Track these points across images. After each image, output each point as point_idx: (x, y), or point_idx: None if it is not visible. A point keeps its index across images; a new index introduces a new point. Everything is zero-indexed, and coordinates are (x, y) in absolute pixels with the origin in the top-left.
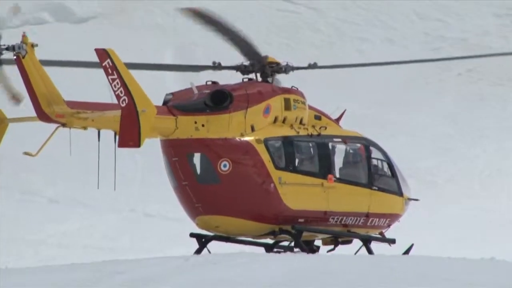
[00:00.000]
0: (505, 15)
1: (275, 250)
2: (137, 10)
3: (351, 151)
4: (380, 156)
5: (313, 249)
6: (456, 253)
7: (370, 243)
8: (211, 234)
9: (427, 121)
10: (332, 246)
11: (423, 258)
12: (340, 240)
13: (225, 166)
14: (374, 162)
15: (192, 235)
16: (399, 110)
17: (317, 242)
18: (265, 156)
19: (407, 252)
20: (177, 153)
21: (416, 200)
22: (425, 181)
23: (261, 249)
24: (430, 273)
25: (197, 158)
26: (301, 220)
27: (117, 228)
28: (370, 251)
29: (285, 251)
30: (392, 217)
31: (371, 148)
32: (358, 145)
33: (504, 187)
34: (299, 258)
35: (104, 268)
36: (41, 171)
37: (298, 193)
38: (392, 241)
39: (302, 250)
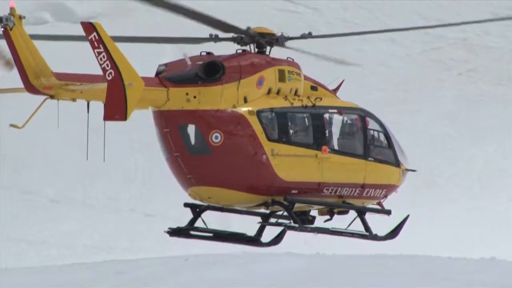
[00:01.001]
0: (505, 15)
1: (269, 222)
2: (137, 10)
3: (346, 122)
4: (377, 127)
5: (309, 220)
6: (456, 253)
7: (365, 214)
8: (205, 204)
9: (427, 121)
10: (328, 216)
11: (423, 258)
12: (336, 210)
13: (216, 137)
14: (371, 132)
15: (186, 205)
16: (399, 110)
17: (314, 213)
18: (257, 128)
19: (402, 223)
20: (168, 124)
21: (414, 171)
22: (425, 181)
23: (261, 250)
24: (430, 273)
25: (188, 130)
26: (294, 191)
27: (117, 228)
28: (364, 223)
29: (278, 223)
30: (389, 188)
31: (368, 119)
32: (354, 116)
33: (504, 187)
34: (299, 258)
35: (104, 268)
36: (41, 171)
37: (291, 164)
38: (388, 212)
39: (294, 221)
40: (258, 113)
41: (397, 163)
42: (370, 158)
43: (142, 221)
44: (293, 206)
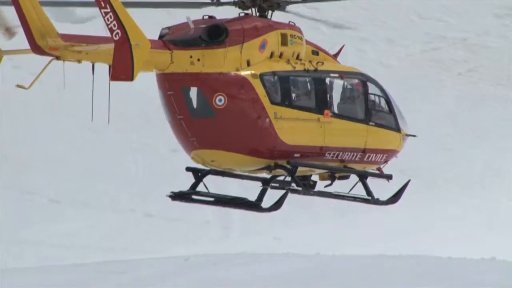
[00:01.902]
0: (505, 15)
1: (272, 185)
2: (137, 10)
3: (348, 86)
4: (378, 91)
5: (310, 184)
6: (456, 253)
7: (366, 179)
8: (207, 168)
9: (427, 121)
10: (329, 181)
11: (423, 258)
12: (337, 175)
13: (220, 100)
14: (372, 97)
15: (188, 169)
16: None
17: (314, 178)
18: (260, 91)
19: (403, 189)
20: (172, 87)
21: (414, 136)
22: (425, 181)
23: (261, 250)
24: (430, 273)
25: (192, 92)
26: (296, 155)
27: (117, 228)
28: (366, 187)
29: (281, 186)
30: (389, 153)
31: (369, 83)
32: (356, 80)
33: (504, 187)
34: (299, 258)
35: (104, 268)
36: (41, 171)
37: (293, 128)
38: (389, 177)
39: (297, 185)
40: (261, 76)
41: (397, 128)
42: (371, 123)
43: (142, 221)
44: (296, 170)
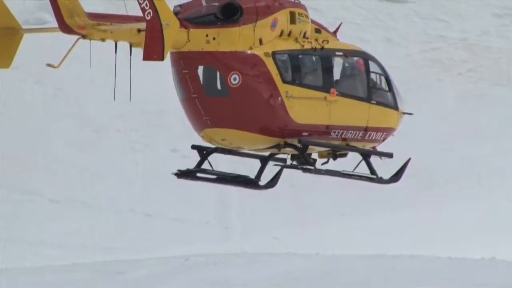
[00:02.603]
0: (505, 15)
1: (285, 164)
2: (137, 10)
3: (352, 64)
4: (378, 70)
5: (310, 162)
6: (456, 253)
7: (370, 157)
8: (212, 146)
9: (427, 121)
10: (325, 160)
11: (423, 258)
12: (338, 153)
13: (235, 79)
14: (373, 75)
15: (193, 147)
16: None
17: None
18: (273, 69)
19: (404, 167)
20: (187, 65)
21: (410, 114)
22: (425, 181)
23: (261, 250)
24: (430, 273)
25: (207, 71)
26: (305, 133)
27: (117, 228)
28: (370, 166)
29: (294, 165)
30: (388, 131)
31: (370, 61)
32: (358, 58)
33: (504, 187)
34: (299, 258)
35: (104, 268)
36: (41, 171)
37: (303, 106)
38: (390, 155)
39: (308, 163)
40: (273, 55)
41: (396, 106)
42: (373, 101)
43: (142, 221)
44: (307, 149)
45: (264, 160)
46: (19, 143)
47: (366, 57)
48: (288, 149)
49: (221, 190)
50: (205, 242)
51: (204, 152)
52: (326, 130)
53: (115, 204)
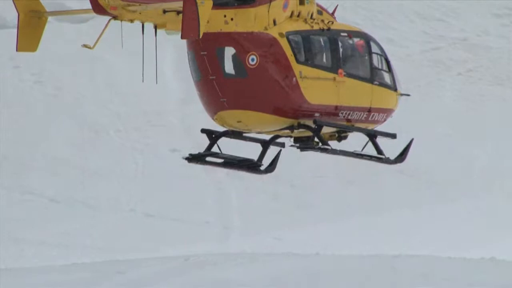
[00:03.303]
0: (505, 15)
1: (300, 146)
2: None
3: (356, 46)
4: (379, 51)
5: (325, 142)
6: (456, 253)
7: (376, 138)
8: (220, 131)
9: (427, 121)
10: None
11: (423, 258)
12: (342, 135)
13: (252, 60)
14: (375, 57)
15: (203, 130)
16: (399, 110)
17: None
18: (287, 50)
19: (408, 147)
20: (206, 47)
21: (408, 95)
22: (425, 181)
23: (261, 250)
24: (430, 273)
25: (225, 52)
26: (317, 114)
27: (117, 228)
28: (377, 146)
29: (311, 146)
30: (388, 112)
31: (371, 43)
32: (361, 40)
33: (504, 187)
34: (299, 258)
35: (104, 268)
36: (41, 171)
37: (315, 87)
38: (393, 136)
39: (323, 143)
40: (287, 36)
41: (395, 87)
42: (375, 82)
43: (142, 221)
44: (321, 129)
45: (265, 144)
46: (19, 143)
47: (367, 38)
48: (301, 130)
49: (221, 190)
50: (205, 242)
51: (213, 136)
52: (335, 111)
53: (115, 204)
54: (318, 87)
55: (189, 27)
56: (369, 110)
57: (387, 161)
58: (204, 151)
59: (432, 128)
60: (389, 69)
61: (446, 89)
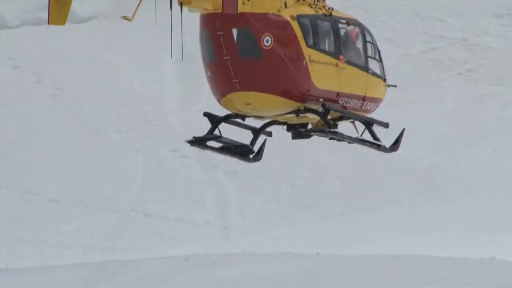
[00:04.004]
0: (505, 15)
1: (311, 133)
2: (138, 10)
3: (353, 33)
4: (372, 40)
5: (333, 126)
6: (456, 253)
7: (372, 126)
8: (221, 116)
9: (427, 121)
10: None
11: (423, 258)
12: (335, 123)
13: (267, 41)
14: (369, 46)
15: (205, 114)
16: (399, 110)
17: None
18: (298, 33)
19: (400, 136)
20: (222, 27)
21: (394, 86)
22: (425, 181)
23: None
24: (430, 273)
25: (241, 33)
26: (321, 99)
27: (117, 228)
28: (373, 134)
29: (314, 130)
30: (378, 102)
31: (365, 32)
32: (357, 27)
33: (504, 187)
34: (299, 258)
35: (104, 268)
36: (41, 171)
37: (321, 72)
38: (386, 125)
39: (329, 126)
40: (298, 19)
41: (384, 77)
42: (369, 71)
43: (142, 221)
44: (328, 114)
45: (256, 132)
46: (19, 143)
47: (362, 27)
48: (305, 115)
49: (221, 190)
50: (205, 242)
51: (215, 120)
52: (336, 98)
53: (115, 204)
54: (323, 72)
55: (228, 3)
56: (364, 99)
57: (384, 149)
58: (207, 135)
59: (432, 128)
60: (380, 59)
61: (446, 89)
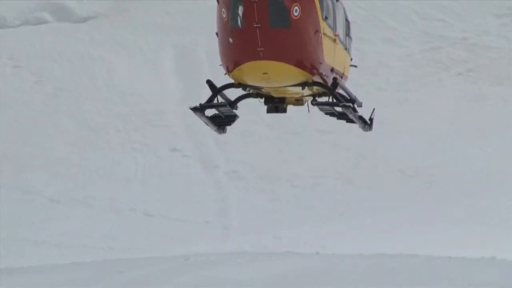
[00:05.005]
0: (505, 15)
1: (320, 107)
2: (137, 10)
3: (340, 9)
4: (347, 16)
5: (343, 100)
6: (456, 253)
7: (354, 104)
8: (222, 84)
9: (427, 121)
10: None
11: (423, 258)
12: (316, 100)
13: (296, 11)
14: (348, 22)
15: (208, 81)
16: (399, 110)
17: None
18: (318, 5)
19: (372, 117)
20: None
21: (355, 66)
22: (425, 181)
23: (261, 250)
24: (430, 273)
25: (274, 2)
26: (325, 74)
27: (117, 228)
28: (356, 112)
29: (329, 102)
30: (346, 80)
31: (344, 7)
32: (340, 3)
33: (504, 187)
34: (299, 258)
35: (104, 268)
36: (41, 171)
37: (327, 46)
38: (360, 104)
39: (338, 99)
40: None
41: (351, 56)
42: (347, 48)
43: (142, 221)
44: (336, 88)
45: (231, 103)
46: (19, 143)
47: (342, 2)
48: (311, 88)
49: (221, 190)
50: (205, 242)
51: (216, 89)
52: (331, 73)
53: (115, 204)
54: (328, 46)
55: None
56: (342, 77)
57: (366, 128)
58: (208, 102)
59: (432, 128)
60: (351, 36)
61: (446, 89)
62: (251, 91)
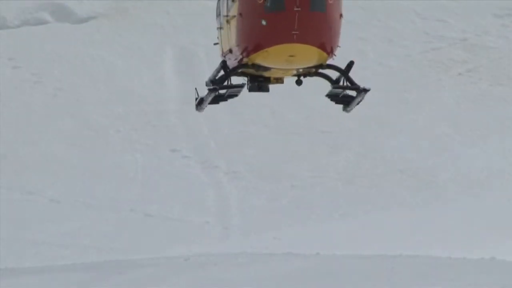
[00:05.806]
0: (505, 15)
1: (332, 91)
2: (137, 10)
3: None
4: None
5: (356, 84)
6: (456, 253)
7: (338, 83)
8: (230, 68)
9: (427, 121)
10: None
11: (423, 258)
12: (300, 78)
13: None
14: None
15: (222, 62)
16: (399, 110)
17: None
18: None
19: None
20: None
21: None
22: (425, 181)
23: (262, 251)
24: (430, 273)
25: None
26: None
27: (117, 228)
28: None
29: (344, 86)
30: None
31: None
32: None
33: (504, 187)
34: (299, 258)
35: (104, 268)
36: (41, 171)
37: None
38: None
39: (352, 83)
40: None
41: None
42: None
43: (142, 221)
44: (350, 70)
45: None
46: (19, 143)
47: None
48: (323, 71)
49: (221, 190)
50: (205, 242)
51: (228, 69)
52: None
53: (115, 204)
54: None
55: None
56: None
57: (347, 110)
58: (220, 83)
59: (432, 128)
60: None
61: (446, 89)
62: (257, 71)
